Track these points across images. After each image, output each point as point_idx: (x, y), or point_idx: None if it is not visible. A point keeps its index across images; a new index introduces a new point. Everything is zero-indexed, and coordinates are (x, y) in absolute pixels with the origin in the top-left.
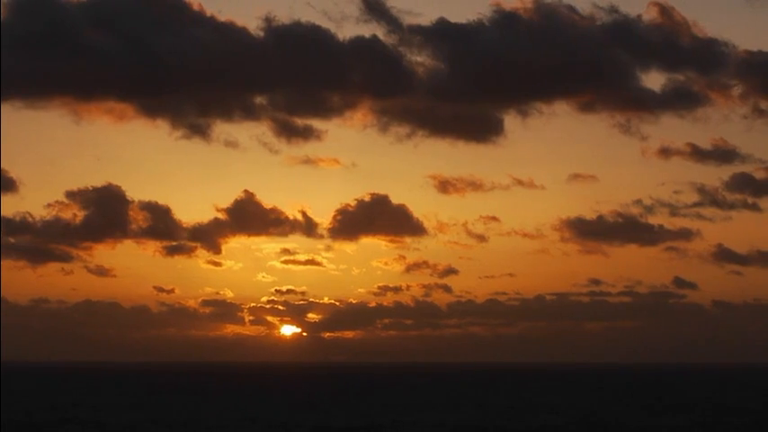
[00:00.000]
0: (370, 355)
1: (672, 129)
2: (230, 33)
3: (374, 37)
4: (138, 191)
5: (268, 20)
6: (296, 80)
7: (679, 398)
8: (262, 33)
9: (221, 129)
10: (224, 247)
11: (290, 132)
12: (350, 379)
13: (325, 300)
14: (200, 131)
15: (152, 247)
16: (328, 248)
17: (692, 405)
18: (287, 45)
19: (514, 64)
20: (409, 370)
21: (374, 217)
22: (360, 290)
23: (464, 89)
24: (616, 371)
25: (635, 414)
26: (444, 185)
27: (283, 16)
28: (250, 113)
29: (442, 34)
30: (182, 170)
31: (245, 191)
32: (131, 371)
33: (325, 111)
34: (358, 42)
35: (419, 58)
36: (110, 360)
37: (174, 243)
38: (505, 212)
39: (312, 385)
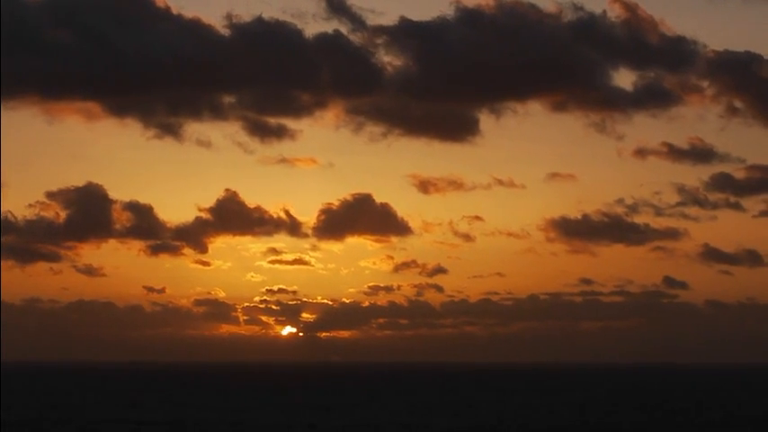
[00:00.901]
0: (367, 355)
1: (647, 128)
2: (197, 31)
3: (340, 35)
4: (118, 190)
5: (230, 17)
6: (266, 79)
7: (675, 399)
8: (228, 31)
9: (193, 128)
10: (210, 247)
11: (263, 132)
12: (366, 378)
13: (319, 299)
14: (171, 131)
15: (137, 247)
16: (314, 248)
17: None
18: (255, 43)
19: (483, 63)
20: (410, 370)
21: (358, 216)
22: (350, 289)
23: (434, 88)
24: (614, 371)
25: (636, 416)
26: (425, 185)
27: (244, 13)
28: (221, 113)
29: (408, 33)
30: (159, 169)
31: (228, 190)
32: (130, 370)
33: (297, 110)
34: (325, 40)
35: (387, 57)
36: (109, 360)
37: (160, 242)
38: (488, 212)
39: (328, 385)
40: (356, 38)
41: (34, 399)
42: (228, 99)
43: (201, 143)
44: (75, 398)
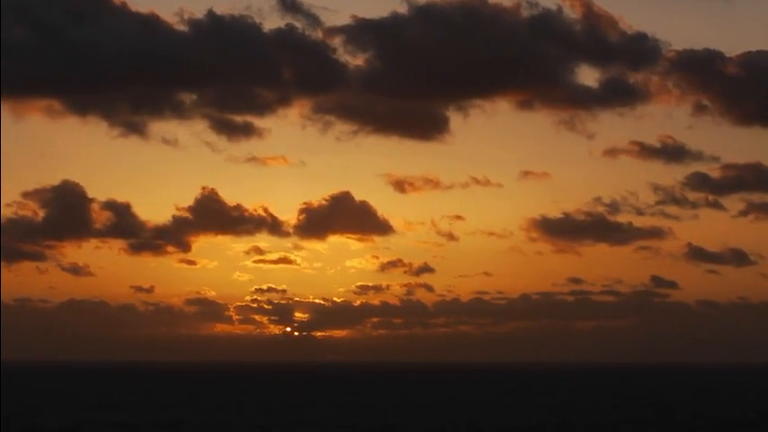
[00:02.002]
0: (362, 355)
1: (615, 126)
2: (154, 27)
3: (298, 32)
4: (94, 189)
5: (181, 12)
6: (227, 75)
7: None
8: (184, 27)
9: (158, 127)
10: (194, 246)
11: (229, 130)
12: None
13: (311, 299)
14: (136, 129)
15: (117, 246)
16: (298, 247)
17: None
18: (214, 39)
19: (445, 60)
20: (409, 370)
21: (339, 215)
22: (339, 289)
23: (397, 86)
24: (610, 370)
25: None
26: (401, 184)
27: (197, 10)
28: (185, 111)
29: (365, 30)
30: (132, 168)
31: (205, 188)
32: (125, 370)
33: (262, 107)
34: (284, 37)
35: (346, 55)
36: (106, 359)
37: (142, 241)
38: (468, 211)
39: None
40: (314, 35)
41: (34, 399)
42: (191, 96)
43: (168, 141)
44: (90, 398)
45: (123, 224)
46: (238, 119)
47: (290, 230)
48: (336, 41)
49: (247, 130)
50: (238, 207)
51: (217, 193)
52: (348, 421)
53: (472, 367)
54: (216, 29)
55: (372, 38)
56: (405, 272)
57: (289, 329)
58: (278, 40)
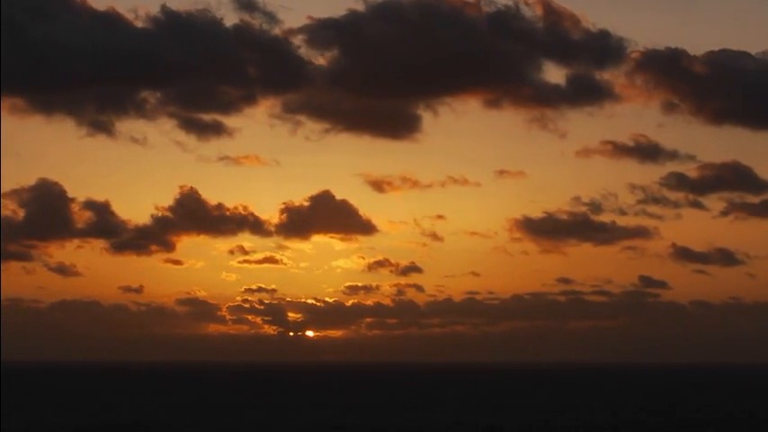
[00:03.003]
0: (359, 355)
1: (587, 124)
2: (114, 23)
3: (261, 30)
4: (71, 188)
5: (136, 9)
6: (193, 74)
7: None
8: (143, 23)
9: (126, 126)
10: (178, 246)
11: (199, 129)
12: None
13: (303, 299)
14: (104, 129)
15: (100, 245)
16: (282, 247)
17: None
18: (176, 37)
19: (409, 57)
20: (412, 369)
21: (321, 215)
22: (328, 289)
23: (362, 84)
24: (604, 370)
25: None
26: (379, 184)
27: (151, 5)
28: (152, 109)
29: (326, 28)
30: (106, 167)
31: (184, 188)
32: (127, 370)
33: (228, 106)
34: (245, 34)
35: (309, 53)
36: (100, 359)
37: (125, 241)
38: (449, 210)
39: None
40: (273, 32)
41: (35, 400)
42: (155, 94)
43: (136, 140)
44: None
45: (104, 224)
46: (206, 117)
47: (272, 230)
48: (298, 39)
49: (217, 129)
50: (219, 206)
51: (197, 193)
52: (348, 422)
53: (471, 367)
54: (176, 24)
55: (333, 36)
56: (392, 272)
57: (283, 329)
58: (239, 37)
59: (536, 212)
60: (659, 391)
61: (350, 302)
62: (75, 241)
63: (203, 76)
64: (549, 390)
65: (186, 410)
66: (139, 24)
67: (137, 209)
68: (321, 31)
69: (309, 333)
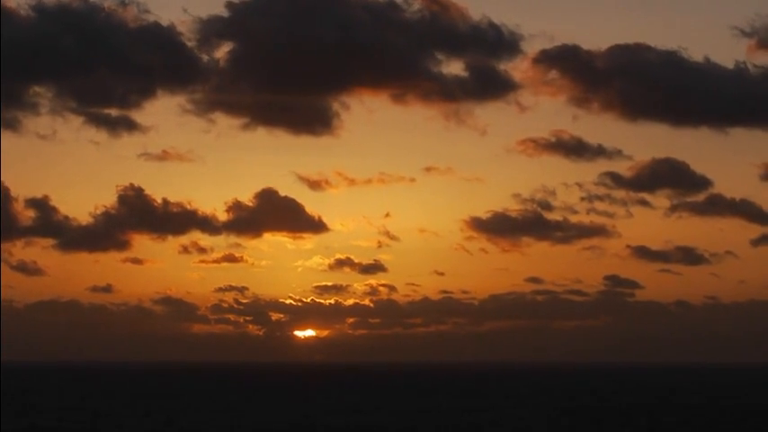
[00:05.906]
0: (348, 356)
1: (506, 121)
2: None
3: (156, 24)
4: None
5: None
6: (92, 68)
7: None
8: (35, 14)
9: (32, 122)
10: (134, 244)
11: (108, 125)
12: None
13: (280, 299)
14: (8, 125)
15: (49, 244)
16: (237, 245)
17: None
18: (72, 29)
19: (303, 51)
20: (410, 369)
21: (269, 213)
22: (298, 288)
23: (264, 80)
24: (593, 370)
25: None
26: (317, 182)
27: None
28: (55, 105)
29: (214, 22)
30: (39, 164)
31: (119, 186)
32: (117, 371)
33: (131, 101)
34: (147, 29)
35: (205, 48)
36: (92, 359)
37: (77, 239)
38: (391, 208)
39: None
40: (162, 23)
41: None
42: (54, 89)
43: (43, 137)
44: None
45: (49, 223)
46: (114, 113)
47: (220, 227)
48: (189, 33)
49: (128, 125)
50: (165, 203)
51: (143, 190)
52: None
53: (460, 367)
54: (63, 14)
55: (221, 30)
56: (356, 271)
57: (267, 329)
58: (139, 32)
59: (481, 210)
60: (644, 390)
61: (327, 302)
62: (25, 240)
63: (100, 69)
64: (550, 390)
65: (186, 410)
66: (29, 13)
67: (78, 206)
68: (210, 26)
69: (298, 333)
